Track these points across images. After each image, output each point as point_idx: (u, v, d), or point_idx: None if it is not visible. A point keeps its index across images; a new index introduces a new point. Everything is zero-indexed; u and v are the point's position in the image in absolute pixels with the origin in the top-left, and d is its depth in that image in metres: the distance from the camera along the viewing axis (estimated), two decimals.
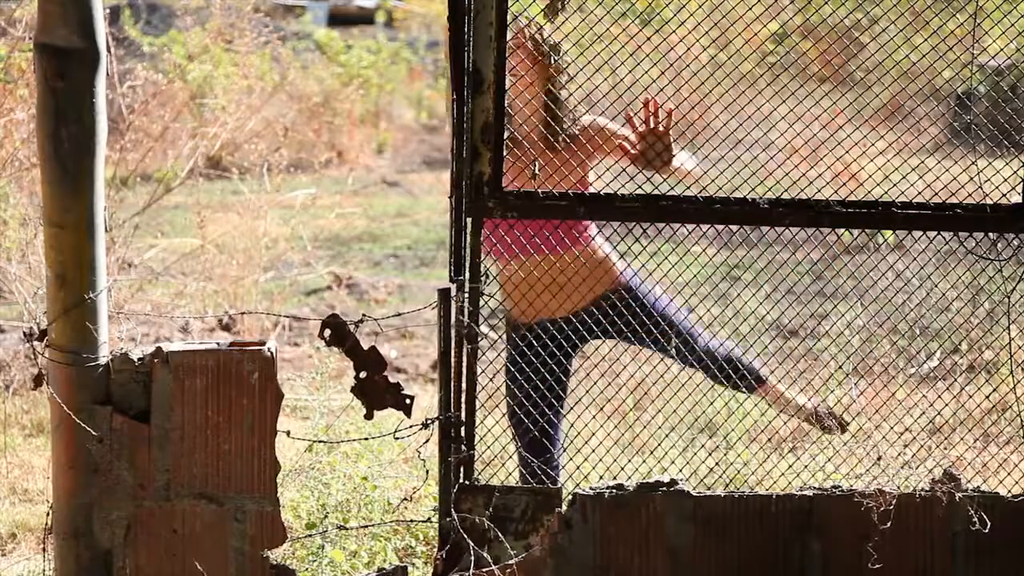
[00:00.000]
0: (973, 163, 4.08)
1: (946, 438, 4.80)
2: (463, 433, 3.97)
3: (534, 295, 4.39)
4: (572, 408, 4.41)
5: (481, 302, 3.96)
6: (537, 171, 4.08)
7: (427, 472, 4.02)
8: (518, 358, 4.35)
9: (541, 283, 4.35)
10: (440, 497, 4.00)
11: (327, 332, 3.87)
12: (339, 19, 23.27)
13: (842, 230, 4.10)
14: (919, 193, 4.09)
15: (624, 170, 4.20)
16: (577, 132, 4.58)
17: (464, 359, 3.95)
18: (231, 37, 11.84)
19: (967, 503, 4.00)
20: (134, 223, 8.70)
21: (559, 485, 4.32)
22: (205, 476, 3.81)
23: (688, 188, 4.06)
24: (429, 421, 3.93)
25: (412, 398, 3.89)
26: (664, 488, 4.00)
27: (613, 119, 4.58)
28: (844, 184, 4.19)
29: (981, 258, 4.11)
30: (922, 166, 4.15)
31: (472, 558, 3.93)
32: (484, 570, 3.93)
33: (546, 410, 4.47)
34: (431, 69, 20.52)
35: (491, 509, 3.97)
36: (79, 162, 3.70)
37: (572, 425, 4.14)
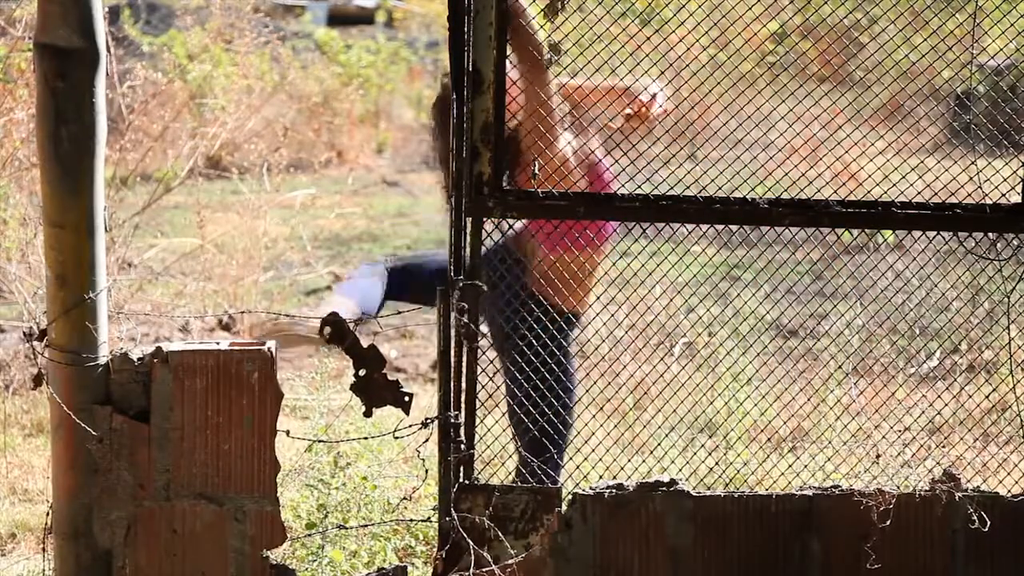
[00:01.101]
0: (973, 163, 4.08)
1: (946, 438, 4.80)
2: (463, 432, 3.97)
3: (576, 284, 4.48)
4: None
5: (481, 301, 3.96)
6: (537, 171, 4.08)
7: (427, 472, 4.02)
8: (556, 349, 4.40)
9: (593, 275, 4.44)
10: (440, 497, 4.00)
11: (327, 330, 3.87)
12: (339, 19, 23.28)
13: (842, 230, 4.10)
14: (919, 193, 4.09)
15: (624, 170, 4.20)
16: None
17: (464, 358, 3.95)
18: (231, 37, 11.84)
19: (967, 503, 4.00)
20: (134, 223, 8.71)
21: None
22: (205, 476, 3.80)
23: (688, 188, 4.06)
24: (429, 420, 3.93)
25: (411, 396, 3.89)
26: (664, 488, 4.00)
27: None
28: (844, 184, 4.19)
29: (981, 258, 4.11)
30: (922, 166, 4.15)
31: (472, 558, 3.93)
32: (484, 570, 3.93)
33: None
34: (431, 69, 20.52)
35: (491, 509, 3.97)
36: (79, 162, 3.70)
37: (572, 425, 4.14)
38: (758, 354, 4.80)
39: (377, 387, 3.89)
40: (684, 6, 4.12)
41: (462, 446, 3.97)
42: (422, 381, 8.09)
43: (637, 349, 5.41)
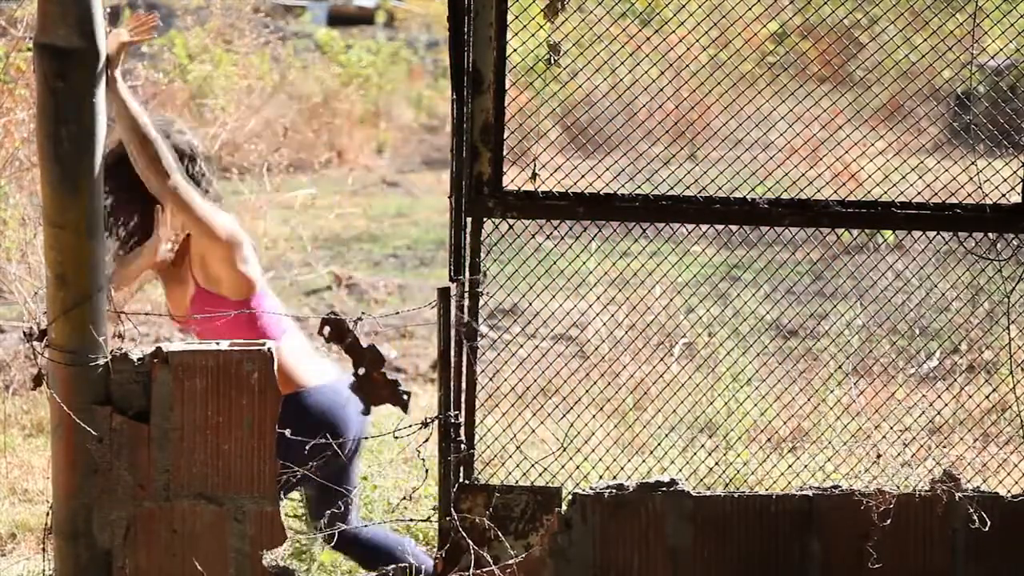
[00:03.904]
0: (973, 163, 4.08)
1: (946, 438, 4.80)
2: (463, 432, 3.97)
3: None
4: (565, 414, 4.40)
5: (481, 302, 3.96)
6: (537, 171, 4.08)
7: (427, 472, 4.01)
8: None
9: None
10: (440, 496, 4.00)
11: (326, 329, 3.87)
12: (339, 19, 23.27)
13: (842, 230, 4.10)
14: (919, 193, 4.09)
15: (623, 170, 4.20)
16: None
17: (464, 358, 3.95)
18: (231, 37, 11.84)
19: (966, 503, 4.00)
20: None
21: None
22: (205, 476, 3.80)
23: (688, 188, 4.07)
24: (429, 420, 3.93)
25: (409, 394, 3.89)
26: (664, 488, 4.00)
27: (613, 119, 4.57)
28: (844, 184, 4.19)
29: (981, 258, 4.11)
30: (922, 166, 4.15)
31: (472, 558, 3.93)
32: (484, 570, 3.93)
33: None
34: (431, 69, 20.52)
35: (491, 509, 3.97)
36: (79, 162, 3.70)
37: (572, 425, 4.14)
38: (758, 354, 4.80)
39: (376, 386, 3.89)
40: (684, 6, 4.12)
41: (462, 446, 3.97)
42: (422, 381, 8.09)
43: (637, 349, 5.41)
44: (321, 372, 4.54)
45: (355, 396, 4.25)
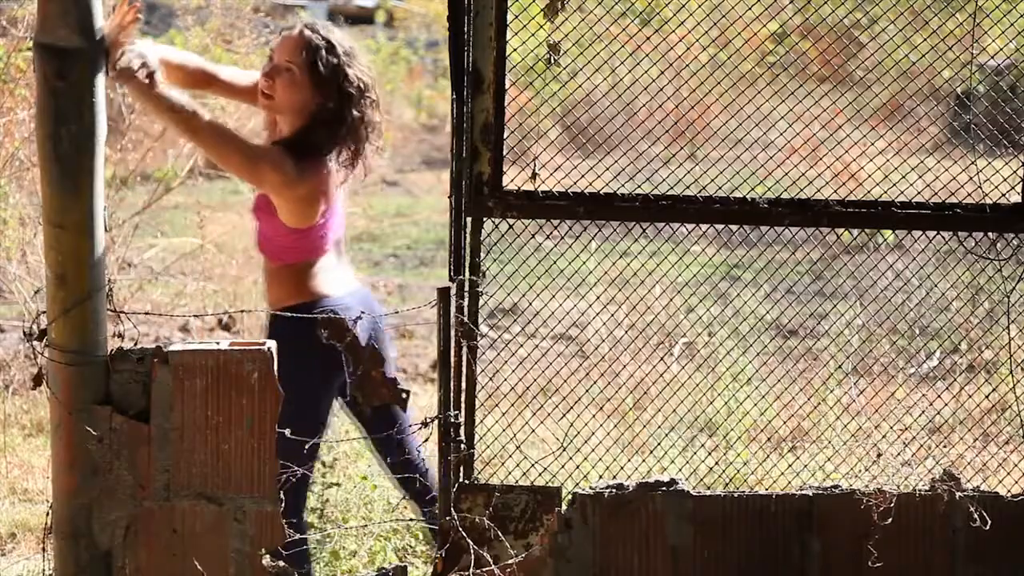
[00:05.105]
0: (973, 163, 4.08)
1: (946, 438, 4.80)
2: (462, 432, 3.97)
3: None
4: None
5: (481, 302, 3.96)
6: (537, 171, 4.08)
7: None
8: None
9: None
10: (440, 496, 4.00)
11: (325, 329, 3.87)
12: (338, 19, 23.26)
13: (842, 230, 4.10)
14: (919, 193, 4.10)
15: (623, 170, 4.20)
16: None
17: (463, 358, 3.95)
18: (231, 37, 11.82)
19: (966, 503, 4.00)
20: (134, 223, 8.71)
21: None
22: (205, 476, 3.80)
23: (688, 188, 4.07)
24: (428, 420, 3.94)
25: (408, 392, 3.89)
26: (664, 488, 4.00)
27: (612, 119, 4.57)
28: (844, 184, 4.19)
29: (981, 258, 4.11)
30: (922, 166, 4.16)
31: (472, 558, 3.93)
32: (484, 570, 3.93)
33: None
34: (431, 69, 20.51)
35: (491, 508, 3.97)
36: (79, 162, 3.70)
37: (572, 425, 4.14)
38: (758, 354, 4.80)
39: (375, 384, 3.90)
40: (684, 6, 4.12)
41: (462, 446, 3.97)
42: (422, 381, 8.09)
43: (637, 349, 5.41)
44: (338, 285, 4.53)
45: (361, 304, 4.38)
